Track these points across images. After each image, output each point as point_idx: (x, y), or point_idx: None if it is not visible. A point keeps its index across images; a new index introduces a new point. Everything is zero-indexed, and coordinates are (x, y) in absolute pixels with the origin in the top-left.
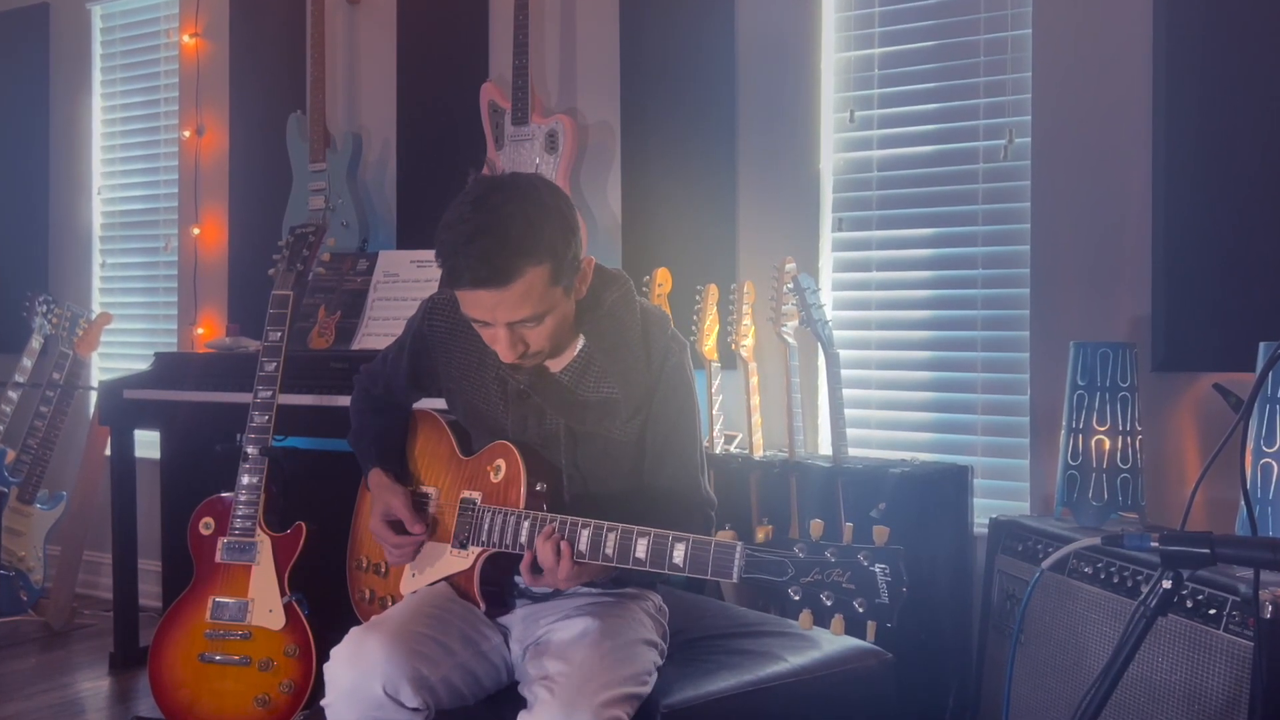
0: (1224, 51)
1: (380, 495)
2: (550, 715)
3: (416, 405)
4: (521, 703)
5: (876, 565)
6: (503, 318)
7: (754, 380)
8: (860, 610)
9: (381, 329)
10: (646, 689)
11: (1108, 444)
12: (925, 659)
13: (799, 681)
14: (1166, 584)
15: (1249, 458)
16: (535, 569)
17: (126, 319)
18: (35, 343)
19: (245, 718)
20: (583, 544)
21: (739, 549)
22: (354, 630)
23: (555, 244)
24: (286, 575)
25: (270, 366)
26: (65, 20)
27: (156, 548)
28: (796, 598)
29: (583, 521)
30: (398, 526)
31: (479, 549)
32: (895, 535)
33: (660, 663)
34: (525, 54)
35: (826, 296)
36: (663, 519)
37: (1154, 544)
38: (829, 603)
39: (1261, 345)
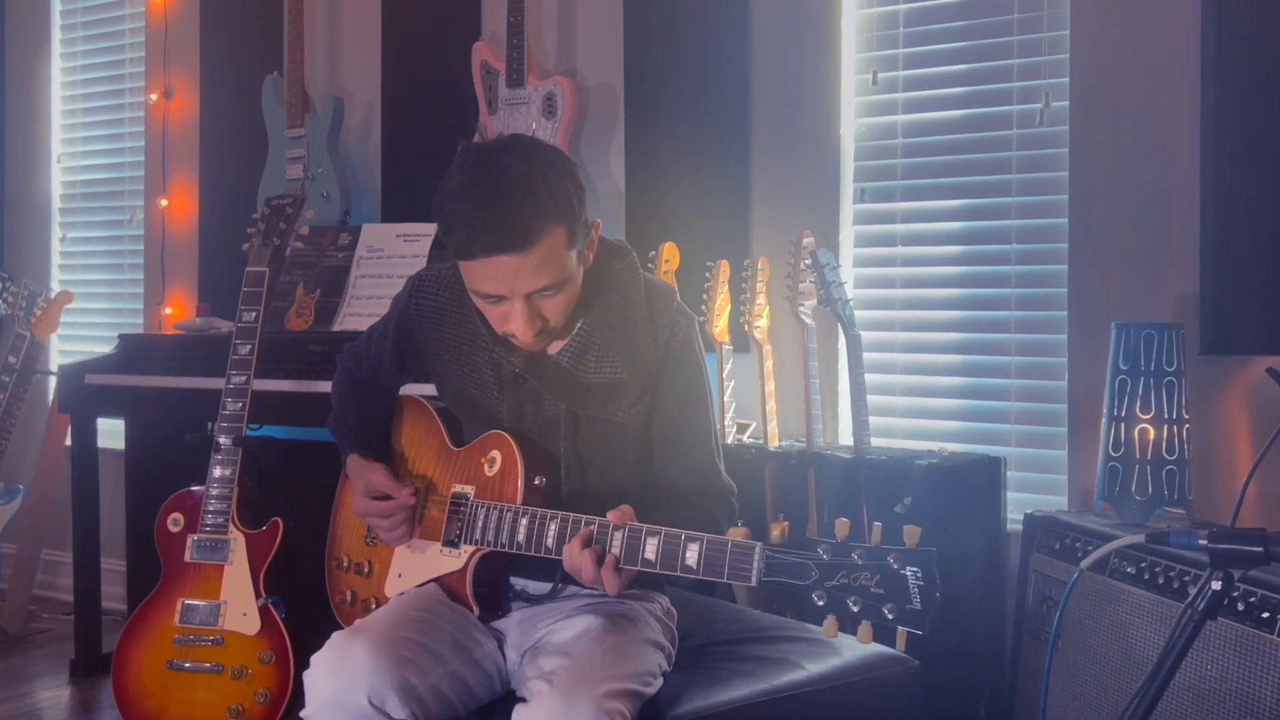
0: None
1: (359, 474)
2: (549, 706)
3: (403, 390)
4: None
5: (908, 568)
6: (522, 288)
7: (769, 364)
8: (890, 617)
9: (365, 308)
10: (651, 689)
11: (1152, 433)
12: (954, 666)
13: (818, 691)
14: (1216, 585)
15: None
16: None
17: (88, 298)
18: None
19: None
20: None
21: (757, 550)
22: (336, 635)
23: (572, 203)
24: (262, 576)
25: (244, 349)
26: None
27: (121, 546)
28: (820, 603)
29: (586, 519)
30: (382, 500)
31: (472, 548)
32: (923, 533)
33: (667, 668)
34: (521, 10)
35: (847, 273)
36: (686, 511)
37: (1203, 542)
38: (856, 609)
39: None
